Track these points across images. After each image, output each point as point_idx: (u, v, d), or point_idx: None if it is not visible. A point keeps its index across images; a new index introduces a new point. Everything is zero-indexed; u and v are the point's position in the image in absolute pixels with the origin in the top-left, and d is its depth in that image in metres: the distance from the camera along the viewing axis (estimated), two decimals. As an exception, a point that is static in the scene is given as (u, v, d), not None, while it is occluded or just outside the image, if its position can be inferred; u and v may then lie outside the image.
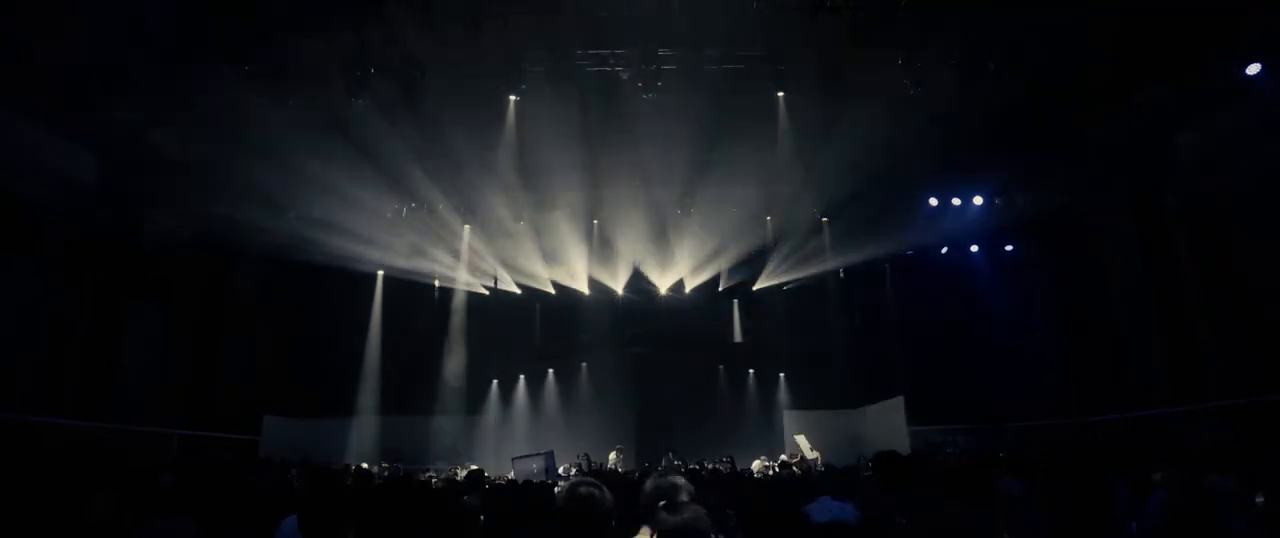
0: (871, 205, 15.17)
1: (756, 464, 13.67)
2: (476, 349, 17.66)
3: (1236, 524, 3.48)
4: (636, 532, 2.74)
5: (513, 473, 12.67)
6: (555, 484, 8.15)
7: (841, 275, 17.40)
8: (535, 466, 11.78)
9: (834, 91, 11.53)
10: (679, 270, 17.36)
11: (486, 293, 17.75)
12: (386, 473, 11.69)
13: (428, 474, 11.81)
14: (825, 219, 16.17)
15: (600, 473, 10.73)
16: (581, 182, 14.77)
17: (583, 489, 2.52)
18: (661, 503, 2.52)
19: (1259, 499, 4.16)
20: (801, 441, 13.94)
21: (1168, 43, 9.80)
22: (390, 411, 16.59)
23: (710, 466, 12.47)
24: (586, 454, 13.18)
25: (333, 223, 14.88)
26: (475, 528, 3.89)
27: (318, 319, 16.65)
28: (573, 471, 12.14)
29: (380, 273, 17.43)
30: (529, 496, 5.22)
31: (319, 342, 16.55)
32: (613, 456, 14.40)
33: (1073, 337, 14.48)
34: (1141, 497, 4.62)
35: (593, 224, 16.54)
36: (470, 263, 17.11)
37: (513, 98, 12.01)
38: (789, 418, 16.55)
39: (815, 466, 12.28)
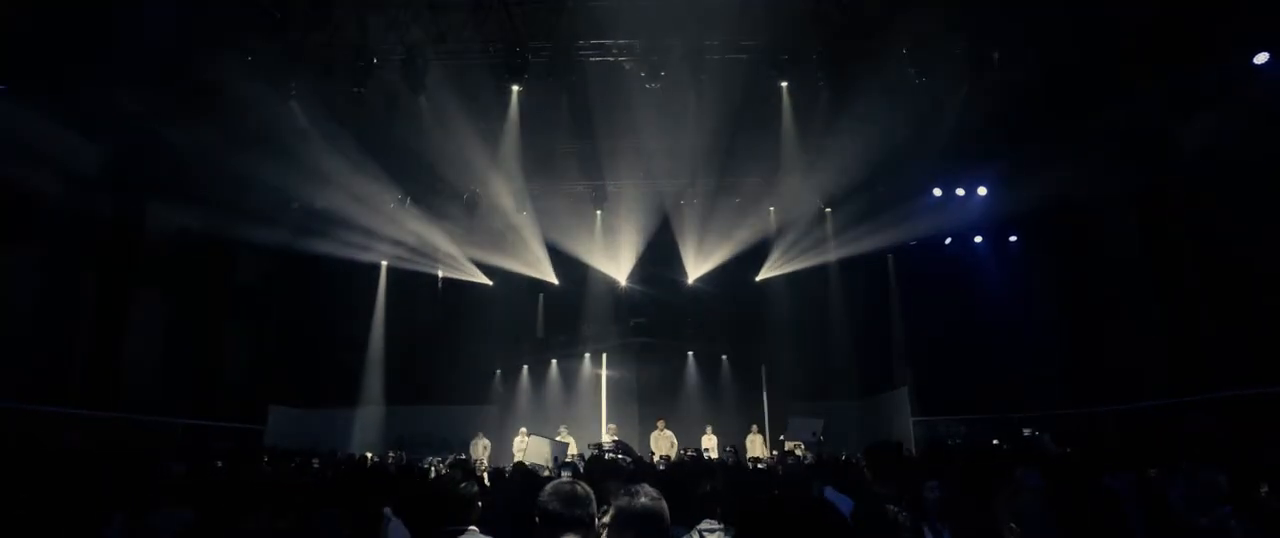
0: (875, 196, 15.15)
1: (760, 451, 13.78)
2: (480, 339, 17.71)
3: (1223, 514, 3.49)
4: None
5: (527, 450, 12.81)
6: (557, 475, 8.20)
7: (845, 266, 17.37)
8: (552, 452, 11.82)
9: (837, 81, 11.50)
10: (682, 260, 17.36)
11: (489, 283, 17.77)
12: (391, 462, 11.77)
13: (428, 463, 11.87)
14: (828, 209, 16.16)
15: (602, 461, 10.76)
16: (584, 171, 14.78)
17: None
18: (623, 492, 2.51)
19: (1264, 490, 4.17)
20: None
21: (1173, 31, 9.75)
22: (394, 401, 16.66)
23: (710, 456, 12.53)
24: (597, 445, 13.24)
25: (336, 213, 14.91)
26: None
27: (322, 309, 16.71)
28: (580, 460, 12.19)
29: (384, 263, 17.48)
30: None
31: (323, 332, 16.61)
32: (606, 439, 14.42)
33: (1075, 327, 14.46)
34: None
35: (595, 214, 16.54)
36: (473, 253, 17.13)
37: (515, 87, 11.99)
38: (793, 409, 16.58)
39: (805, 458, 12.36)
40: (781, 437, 13.75)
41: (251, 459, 10.30)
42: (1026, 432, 11.90)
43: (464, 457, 12.95)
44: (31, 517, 4.20)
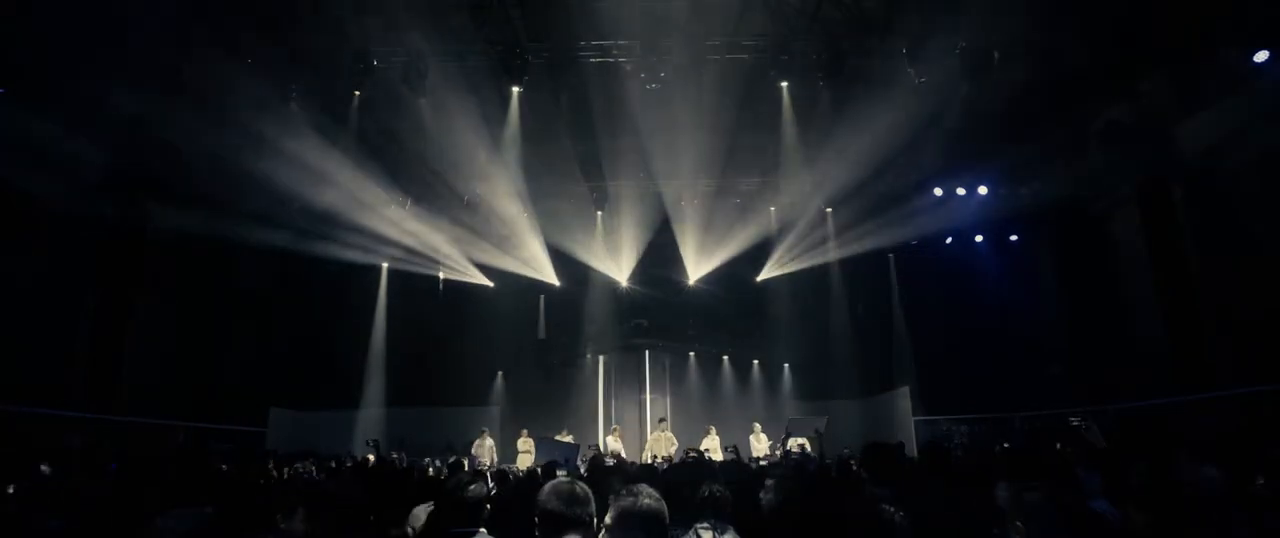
0: (875, 195, 15.16)
1: (762, 449, 13.79)
2: (481, 341, 17.72)
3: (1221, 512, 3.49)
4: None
5: (533, 456, 12.81)
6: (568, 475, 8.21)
7: (846, 266, 17.38)
8: (560, 454, 11.78)
9: (838, 81, 11.50)
10: (685, 261, 17.37)
11: (491, 285, 17.79)
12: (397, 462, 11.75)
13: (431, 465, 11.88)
14: (829, 209, 16.15)
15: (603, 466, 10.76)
16: (585, 173, 14.79)
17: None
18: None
19: (1260, 481, 4.17)
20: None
21: (1174, 29, 9.75)
22: (395, 403, 16.66)
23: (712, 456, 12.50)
24: (593, 445, 13.25)
25: (337, 215, 14.93)
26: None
27: (322, 312, 16.73)
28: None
29: (385, 265, 17.49)
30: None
31: (324, 334, 16.62)
32: (610, 440, 14.40)
33: (1077, 326, 14.46)
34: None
35: (597, 215, 16.55)
36: (474, 255, 17.14)
37: (516, 89, 11.99)
38: (794, 408, 16.58)
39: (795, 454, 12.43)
40: (787, 441, 13.78)
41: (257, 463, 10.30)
42: (1074, 422, 11.92)
43: (464, 458, 12.95)
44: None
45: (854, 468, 6.21)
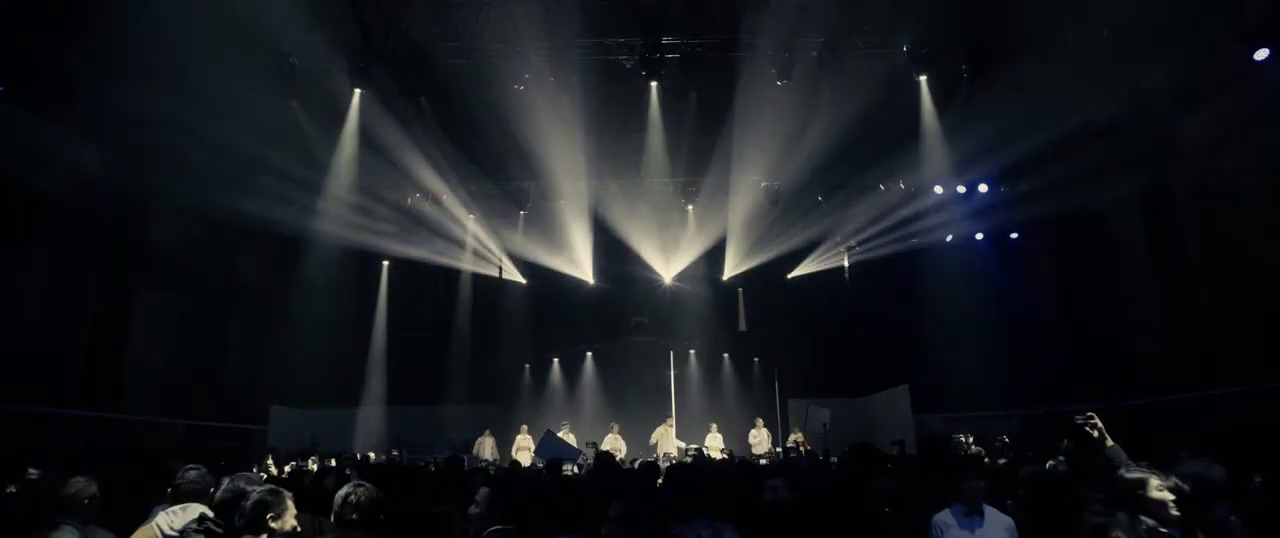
0: (875, 193, 15.15)
1: (764, 447, 13.83)
2: (481, 339, 17.72)
3: (1221, 512, 3.50)
4: None
5: (533, 450, 12.83)
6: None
7: (846, 264, 17.38)
8: (562, 452, 11.81)
9: (837, 79, 11.51)
10: (683, 259, 17.39)
11: (491, 282, 17.79)
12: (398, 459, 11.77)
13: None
14: (829, 207, 16.17)
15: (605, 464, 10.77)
16: (585, 170, 14.80)
17: None
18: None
19: (1258, 479, 4.19)
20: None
21: (1175, 27, 9.74)
22: (396, 400, 16.67)
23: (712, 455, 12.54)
24: (592, 443, 13.25)
25: (338, 213, 14.94)
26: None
27: (324, 310, 16.72)
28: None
29: (386, 263, 17.51)
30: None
31: (325, 332, 16.62)
32: (610, 437, 14.40)
33: (1078, 324, 14.45)
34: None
35: (597, 213, 16.55)
36: (475, 252, 17.15)
37: (516, 86, 12.01)
38: (794, 406, 16.59)
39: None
40: (794, 435, 13.78)
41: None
42: (1079, 419, 11.93)
43: (462, 456, 12.96)
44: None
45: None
